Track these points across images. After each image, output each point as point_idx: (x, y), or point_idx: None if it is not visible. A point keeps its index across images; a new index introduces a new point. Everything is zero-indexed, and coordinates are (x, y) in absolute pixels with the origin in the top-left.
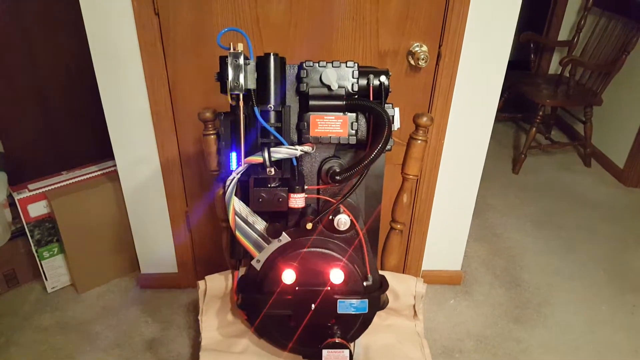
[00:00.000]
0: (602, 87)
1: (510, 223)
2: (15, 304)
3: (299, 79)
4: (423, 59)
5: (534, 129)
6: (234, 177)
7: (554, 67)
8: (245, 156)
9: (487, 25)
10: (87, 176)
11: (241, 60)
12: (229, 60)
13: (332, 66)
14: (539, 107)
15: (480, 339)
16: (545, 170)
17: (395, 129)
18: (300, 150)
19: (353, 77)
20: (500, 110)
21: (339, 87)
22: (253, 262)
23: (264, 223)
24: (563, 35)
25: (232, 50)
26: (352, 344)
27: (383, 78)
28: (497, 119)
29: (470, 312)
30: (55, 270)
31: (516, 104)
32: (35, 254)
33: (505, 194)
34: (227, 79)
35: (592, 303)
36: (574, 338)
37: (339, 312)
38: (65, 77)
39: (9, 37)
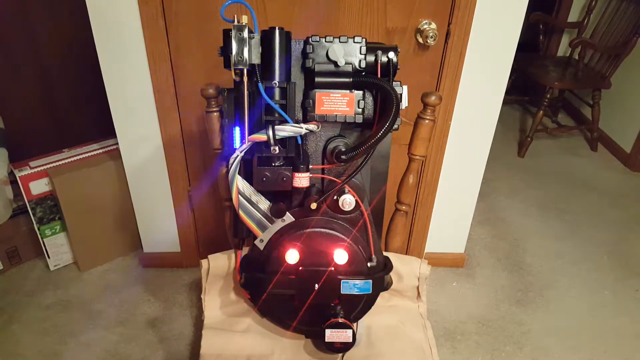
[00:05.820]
0: (611, 70)
1: (515, 206)
2: (18, 281)
3: (304, 55)
4: (432, 37)
5: (541, 112)
6: (238, 156)
7: (562, 49)
8: (249, 134)
9: (498, 3)
10: (89, 154)
11: (245, 34)
12: (233, 33)
13: (339, 41)
14: (546, 89)
15: (482, 321)
16: (551, 154)
17: (403, 107)
18: (305, 129)
19: (360, 53)
20: (507, 92)
21: (346, 63)
22: (256, 242)
23: (268, 202)
24: (573, 16)
25: (236, 22)
26: (355, 324)
27: (391, 54)
28: (504, 102)
29: (473, 294)
30: (57, 248)
31: (523, 87)
32: (38, 232)
33: (510, 177)
34: (231, 53)
35: (594, 287)
36: (576, 322)
37: (342, 292)
38: (66, 53)
39: (8, 13)
